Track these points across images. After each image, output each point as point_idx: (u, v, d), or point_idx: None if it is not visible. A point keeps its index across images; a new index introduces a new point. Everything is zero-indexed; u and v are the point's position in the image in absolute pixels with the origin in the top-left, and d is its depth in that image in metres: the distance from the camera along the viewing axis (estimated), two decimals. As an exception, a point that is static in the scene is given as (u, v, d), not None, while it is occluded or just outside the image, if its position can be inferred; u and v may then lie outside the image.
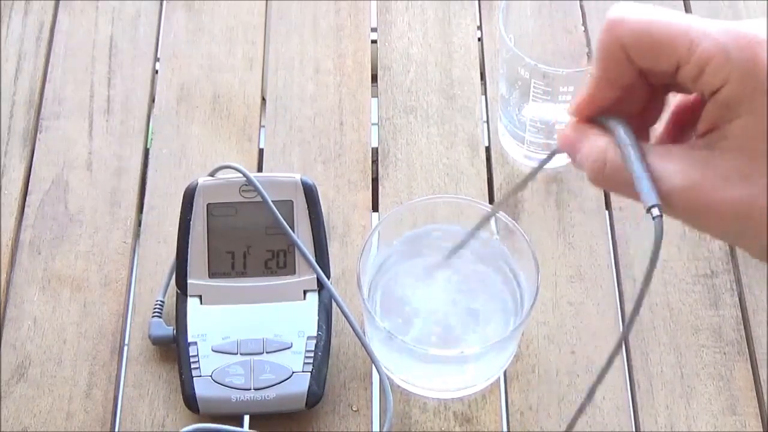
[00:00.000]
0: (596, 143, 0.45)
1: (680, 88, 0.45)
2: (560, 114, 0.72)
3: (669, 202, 0.42)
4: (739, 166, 0.41)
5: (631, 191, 0.43)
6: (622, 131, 0.44)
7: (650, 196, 0.42)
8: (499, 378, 0.68)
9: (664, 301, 0.71)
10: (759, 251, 0.43)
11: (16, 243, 0.73)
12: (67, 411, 0.67)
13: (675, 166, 0.43)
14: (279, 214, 0.67)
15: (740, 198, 0.41)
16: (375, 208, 0.76)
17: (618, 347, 0.47)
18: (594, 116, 0.46)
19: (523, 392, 0.68)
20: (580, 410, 0.51)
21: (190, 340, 0.66)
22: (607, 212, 0.75)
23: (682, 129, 0.47)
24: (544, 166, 0.52)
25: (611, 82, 0.45)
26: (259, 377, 0.65)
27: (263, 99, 0.81)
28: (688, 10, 0.84)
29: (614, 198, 0.75)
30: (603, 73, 0.45)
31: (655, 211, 0.42)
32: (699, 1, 0.85)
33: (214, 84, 0.81)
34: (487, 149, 0.78)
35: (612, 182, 0.45)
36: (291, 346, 0.66)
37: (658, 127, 0.48)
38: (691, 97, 0.47)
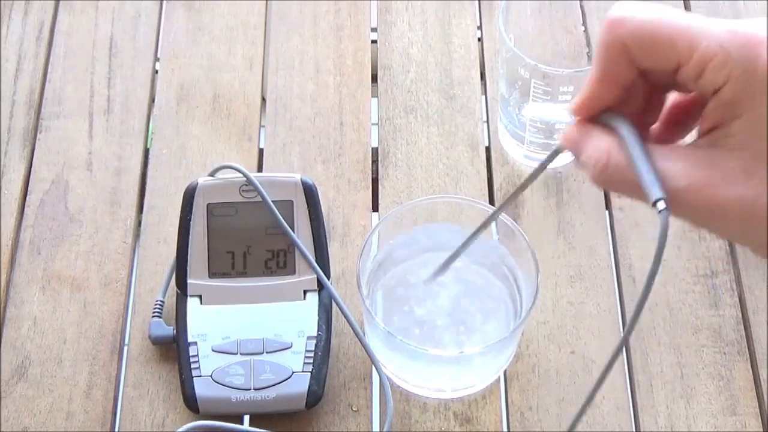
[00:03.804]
0: (599, 143, 0.45)
1: (681, 88, 0.45)
2: (560, 114, 0.72)
3: (674, 202, 0.42)
4: (742, 165, 0.41)
5: (634, 191, 0.43)
6: (626, 129, 0.44)
7: (655, 190, 0.42)
8: (499, 378, 0.68)
9: (664, 301, 0.71)
10: (763, 249, 0.43)
11: (16, 243, 0.73)
12: (67, 411, 0.67)
13: (679, 166, 0.43)
14: (279, 214, 0.67)
15: (744, 196, 0.41)
16: (375, 208, 0.76)
17: (622, 344, 0.47)
18: (596, 115, 0.46)
19: (523, 392, 0.68)
20: (581, 412, 0.51)
21: (190, 340, 0.66)
22: (607, 212, 0.75)
23: (675, 128, 0.47)
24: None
25: (612, 82, 0.45)
26: (259, 377, 0.65)
27: (263, 99, 0.81)
28: (688, 9, 0.84)
29: (614, 198, 0.75)
30: (604, 72, 0.45)
31: (661, 204, 0.42)
32: (699, 0, 0.85)
33: (214, 84, 0.81)
34: (487, 149, 0.78)
35: (615, 182, 0.44)
36: (291, 346, 0.66)
37: (654, 126, 0.48)
38: (687, 96, 0.47)
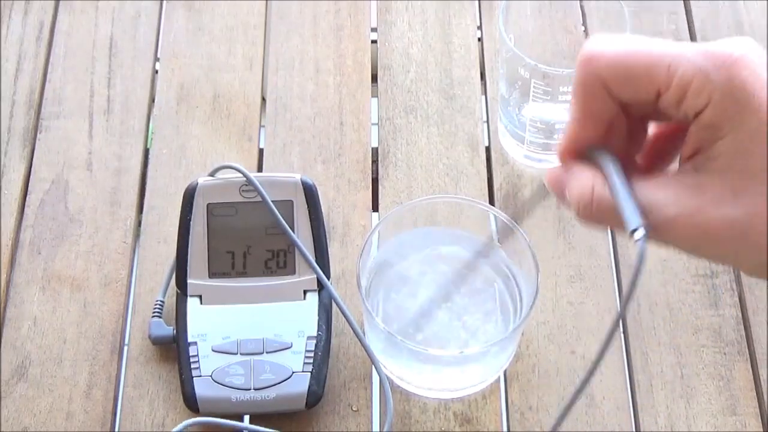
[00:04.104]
0: (582, 178, 0.44)
1: (662, 116, 0.44)
2: (560, 114, 0.72)
3: (666, 232, 0.42)
4: (729, 186, 0.41)
5: (621, 227, 0.42)
6: (605, 160, 0.44)
7: (632, 219, 0.41)
8: (499, 378, 0.68)
9: (664, 301, 0.71)
10: (758, 268, 0.42)
11: (16, 243, 0.73)
12: (67, 411, 0.67)
13: (667, 195, 0.42)
14: (279, 214, 0.67)
15: (735, 217, 0.41)
16: (375, 208, 0.76)
17: (610, 336, 0.46)
18: (580, 154, 0.45)
19: (523, 392, 0.68)
20: (578, 394, 0.50)
21: (190, 340, 0.66)
22: (607, 212, 0.75)
23: (660, 158, 0.47)
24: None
25: (593, 119, 0.44)
26: (259, 377, 0.65)
27: (263, 99, 0.81)
28: (688, 10, 0.84)
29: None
30: (584, 110, 0.44)
31: (638, 234, 0.41)
32: (699, 0, 0.85)
33: (214, 84, 0.81)
34: (487, 149, 0.78)
35: (601, 217, 0.44)
36: (291, 346, 0.66)
37: (638, 158, 0.47)
38: (668, 125, 0.46)
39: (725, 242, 0.42)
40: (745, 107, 0.40)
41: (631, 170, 0.44)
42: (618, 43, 0.43)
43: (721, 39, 0.42)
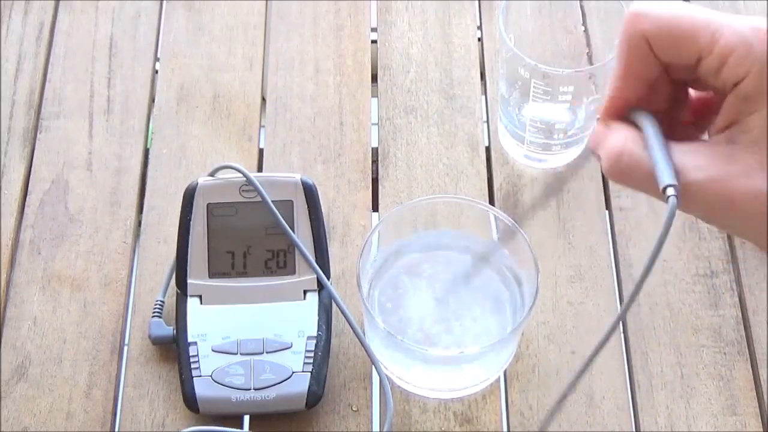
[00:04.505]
0: (618, 136, 0.44)
1: (702, 84, 0.45)
2: (560, 114, 0.72)
3: (691, 196, 0.42)
4: (760, 159, 0.42)
5: (646, 184, 0.43)
6: (646, 120, 0.44)
7: (666, 176, 0.42)
8: (499, 378, 0.68)
9: (664, 301, 0.71)
10: None
11: (16, 243, 0.73)
12: (67, 411, 0.67)
13: (698, 160, 0.43)
14: (279, 214, 0.67)
15: (761, 189, 0.41)
16: (375, 208, 0.76)
17: (612, 330, 0.46)
18: (621, 114, 0.46)
19: (523, 392, 0.68)
20: (574, 383, 0.50)
21: (190, 340, 0.66)
22: (607, 212, 0.75)
23: (696, 124, 0.47)
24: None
25: (636, 77, 0.45)
26: (259, 377, 0.65)
27: (263, 99, 0.81)
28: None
29: (614, 198, 0.75)
30: (627, 68, 0.45)
31: (670, 191, 0.42)
32: (699, 0, 0.84)
33: (214, 84, 0.81)
34: (487, 149, 0.78)
35: (629, 172, 0.44)
36: (291, 346, 0.66)
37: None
38: (706, 93, 0.46)
39: (749, 213, 0.42)
40: None
41: (670, 133, 0.44)
42: (666, 5, 0.43)
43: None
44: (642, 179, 0.43)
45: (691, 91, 0.47)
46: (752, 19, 0.42)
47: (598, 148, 0.45)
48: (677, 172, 0.42)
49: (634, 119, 0.45)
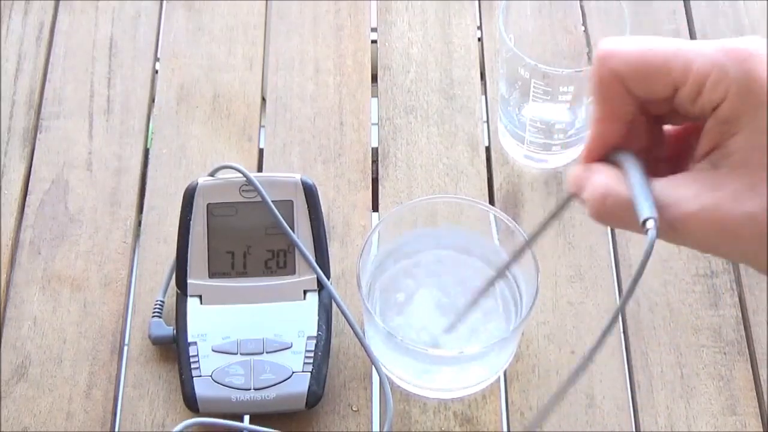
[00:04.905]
0: (599, 177, 0.44)
1: (680, 116, 0.44)
2: (560, 114, 0.72)
3: (685, 228, 0.42)
4: (747, 181, 0.41)
5: (633, 223, 0.42)
6: (626, 158, 0.44)
7: (644, 210, 0.41)
8: (499, 378, 0.68)
9: (664, 301, 0.71)
10: None
11: (16, 243, 0.73)
12: (67, 411, 0.67)
13: (686, 192, 0.42)
14: (279, 214, 0.67)
15: (753, 211, 0.41)
16: (375, 208, 0.76)
17: (605, 333, 0.46)
18: (602, 156, 0.45)
19: (523, 392, 0.68)
20: (574, 377, 0.50)
21: (190, 340, 0.66)
22: (607, 212, 0.75)
23: (677, 159, 0.47)
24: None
25: (614, 118, 0.44)
26: (259, 377, 0.65)
27: (263, 99, 0.81)
28: (688, 10, 0.84)
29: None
30: (604, 110, 0.44)
31: (650, 224, 0.41)
32: (699, 0, 0.85)
33: (214, 84, 0.81)
34: (487, 149, 0.78)
35: (614, 215, 0.43)
36: (291, 346, 0.66)
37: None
38: (683, 126, 0.46)
39: (744, 237, 0.42)
40: (762, 101, 0.40)
41: (653, 171, 0.44)
42: (633, 41, 0.43)
43: (750, 18, 0.42)
44: (628, 218, 0.43)
45: (666, 128, 0.46)
46: (720, 41, 0.41)
47: (580, 191, 0.45)
48: (665, 206, 0.42)
49: (614, 159, 0.45)
